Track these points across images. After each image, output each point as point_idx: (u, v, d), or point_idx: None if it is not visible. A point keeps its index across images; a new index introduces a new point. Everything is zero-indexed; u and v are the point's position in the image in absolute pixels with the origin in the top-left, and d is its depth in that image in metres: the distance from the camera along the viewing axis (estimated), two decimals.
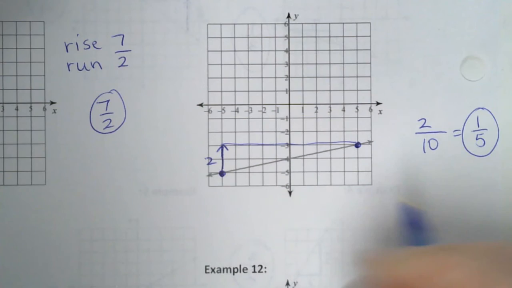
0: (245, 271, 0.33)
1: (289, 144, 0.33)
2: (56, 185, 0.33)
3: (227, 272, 0.33)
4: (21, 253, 0.33)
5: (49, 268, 0.33)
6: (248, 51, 0.33)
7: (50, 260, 0.33)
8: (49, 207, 0.33)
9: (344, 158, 0.33)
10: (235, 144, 0.33)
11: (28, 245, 0.33)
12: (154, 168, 0.33)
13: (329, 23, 0.33)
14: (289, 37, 0.33)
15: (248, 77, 0.33)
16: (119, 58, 0.33)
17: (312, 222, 0.33)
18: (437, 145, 0.33)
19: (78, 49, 0.33)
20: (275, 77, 0.33)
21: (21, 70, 0.33)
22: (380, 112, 0.33)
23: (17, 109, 0.33)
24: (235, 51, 0.33)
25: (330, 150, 0.33)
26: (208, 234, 0.33)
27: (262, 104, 0.33)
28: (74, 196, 0.33)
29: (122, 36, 0.33)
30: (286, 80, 0.33)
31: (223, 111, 0.33)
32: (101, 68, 0.33)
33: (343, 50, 0.33)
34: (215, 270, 0.33)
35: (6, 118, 0.33)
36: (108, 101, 0.33)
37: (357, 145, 0.33)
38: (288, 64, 0.33)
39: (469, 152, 0.33)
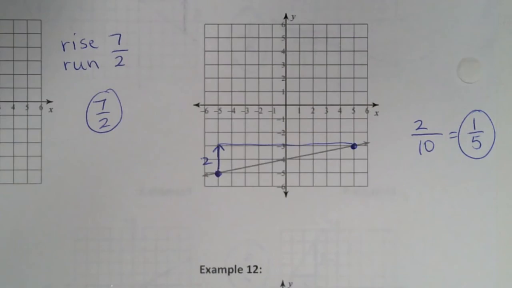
0: (240, 271, 0.33)
1: (285, 145, 0.33)
2: (52, 184, 0.33)
3: (222, 272, 0.33)
4: (16, 252, 0.33)
5: (44, 267, 0.33)
6: (245, 51, 0.33)
7: (45, 259, 0.33)
8: (44, 206, 0.33)
9: (340, 159, 0.33)
10: (231, 144, 0.33)
11: (23, 244, 0.33)
12: (150, 167, 0.33)
13: (326, 24, 0.33)
14: (286, 37, 0.33)
15: (245, 78, 0.33)
16: (116, 58, 0.33)
17: (308, 223, 0.33)
18: (433, 147, 0.33)
19: (75, 48, 0.33)
20: (272, 78, 0.33)
21: (17, 69, 0.33)
22: (377, 113, 0.33)
23: (13, 108, 0.33)
24: (232, 51, 0.33)
25: (326, 151, 0.33)
26: (204, 234, 0.33)
27: (258, 105, 0.33)
28: (70, 195, 0.33)
29: (119, 35, 0.33)
30: (282, 80, 0.33)
31: (219, 111, 0.33)
32: (97, 67, 0.33)
33: (340, 51, 0.33)
34: (210, 270, 0.33)
35: (2, 116, 0.33)
36: (104, 100, 0.33)
37: (353, 146, 0.33)
38: (285, 64, 0.33)
39: (465, 154, 0.33)
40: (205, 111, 0.33)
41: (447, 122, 0.33)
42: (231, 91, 0.33)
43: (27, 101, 0.33)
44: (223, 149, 0.33)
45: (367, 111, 0.33)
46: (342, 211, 0.33)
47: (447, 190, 0.33)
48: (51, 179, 0.33)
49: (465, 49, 0.33)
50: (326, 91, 0.33)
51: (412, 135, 0.33)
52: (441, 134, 0.33)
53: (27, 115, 0.33)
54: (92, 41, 0.33)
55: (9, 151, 0.33)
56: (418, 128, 0.33)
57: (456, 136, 0.33)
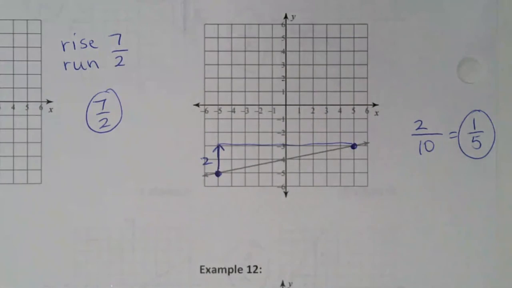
0: (240, 271, 0.33)
1: (285, 145, 0.33)
2: (52, 184, 0.33)
3: (222, 272, 0.33)
4: (16, 252, 0.33)
5: (44, 267, 0.33)
6: (245, 51, 0.33)
7: (45, 259, 0.33)
8: (44, 206, 0.33)
9: (340, 159, 0.33)
10: (231, 144, 0.33)
11: (23, 244, 0.33)
12: (150, 167, 0.33)
13: (326, 24, 0.33)
14: (286, 37, 0.33)
15: (245, 78, 0.33)
16: (116, 58, 0.33)
17: (308, 223, 0.33)
18: (433, 147, 0.33)
19: (75, 48, 0.33)
20: (272, 78, 0.33)
21: (17, 69, 0.33)
22: (377, 113, 0.33)
23: (13, 108, 0.33)
24: (232, 51, 0.33)
25: (326, 151, 0.33)
26: (204, 234, 0.33)
27: (258, 105, 0.33)
28: (70, 195, 0.33)
29: (119, 35, 0.33)
30: (282, 80, 0.33)
31: (219, 111, 0.33)
32: (97, 67, 0.33)
33: (340, 51, 0.33)
34: (210, 270, 0.33)
35: (2, 116, 0.33)
36: (104, 100, 0.33)
37: (353, 146, 0.33)
38: (284, 64, 0.33)
39: (465, 154, 0.33)
40: (205, 111, 0.33)
41: (447, 122, 0.33)
42: (231, 91, 0.33)
43: (27, 101, 0.33)
44: (223, 149, 0.33)
45: (367, 111, 0.33)
46: (342, 211, 0.33)
47: (447, 190, 0.33)
48: (51, 179, 0.33)
49: (465, 49, 0.33)
50: (326, 91, 0.33)
51: (412, 135, 0.33)
52: (441, 134, 0.33)
53: (27, 115, 0.33)
54: (92, 41, 0.33)
55: (9, 151, 0.33)
56: (418, 128, 0.33)
57: (456, 136, 0.33)
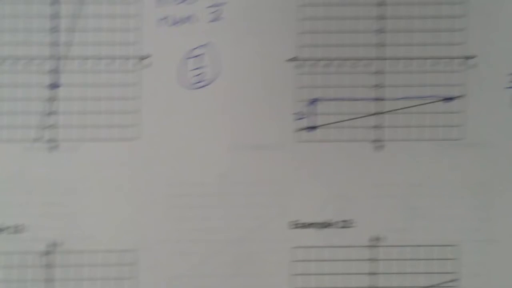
0: (332, 226, 0.33)
1: (379, 99, 0.33)
2: (151, 139, 0.33)
3: (314, 227, 0.33)
4: (114, 209, 0.33)
5: (138, 223, 0.33)
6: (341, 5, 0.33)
7: (139, 215, 0.33)
8: (141, 162, 0.33)
9: (435, 113, 0.33)
10: (325, 99, 0.33)
11: (120, 200, 0.33)
12: (243, 123, 0.33)
13: None
14: None
15: (340, 32, 0.33)
16: (213, 12, 0.33)
17: (400, 178, 0.33)
18: None
19: (171, 3, 0.33)
20: (367, 32, 0.33)
21: (116, 24, 0.33)
22: (474, 66, 0.33)
23: (110, 65, 0.33)
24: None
25: (421, 104, 0.33)
26: (295, 189, 0.33)
27: (353, 59, 0.33)
28: (165, 151, 0.33)
29: None
30: (379, 34, 0.33)
31: (314, 66, 0.33)
32: (195, 21, 0.33)
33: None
34: (302, 225, 0.33)
35: (98, 74, 0.33)
36: (201, 55, 0.33)
37: (448, 99, 0.33)
38: (382, 18, 0.33)
39: None
40: (299, 65, 0.33)
41: None
42: (326, 46, 0.33)
43: (124, 58, 0.33)
44: (317, 104, 0.33)
45: (463, 63, 0.33)
46: (435, 165, 0.33)
47: None
48: (149, 134, 0.33)
49: None
50: (423, 45, 0.33)
51: (507, 88, 0.33)
52: None
53: (126, 71, 0.33)
54: None
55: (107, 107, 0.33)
56: None
57: None
